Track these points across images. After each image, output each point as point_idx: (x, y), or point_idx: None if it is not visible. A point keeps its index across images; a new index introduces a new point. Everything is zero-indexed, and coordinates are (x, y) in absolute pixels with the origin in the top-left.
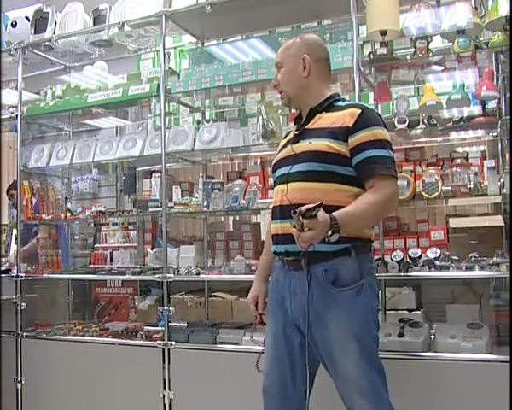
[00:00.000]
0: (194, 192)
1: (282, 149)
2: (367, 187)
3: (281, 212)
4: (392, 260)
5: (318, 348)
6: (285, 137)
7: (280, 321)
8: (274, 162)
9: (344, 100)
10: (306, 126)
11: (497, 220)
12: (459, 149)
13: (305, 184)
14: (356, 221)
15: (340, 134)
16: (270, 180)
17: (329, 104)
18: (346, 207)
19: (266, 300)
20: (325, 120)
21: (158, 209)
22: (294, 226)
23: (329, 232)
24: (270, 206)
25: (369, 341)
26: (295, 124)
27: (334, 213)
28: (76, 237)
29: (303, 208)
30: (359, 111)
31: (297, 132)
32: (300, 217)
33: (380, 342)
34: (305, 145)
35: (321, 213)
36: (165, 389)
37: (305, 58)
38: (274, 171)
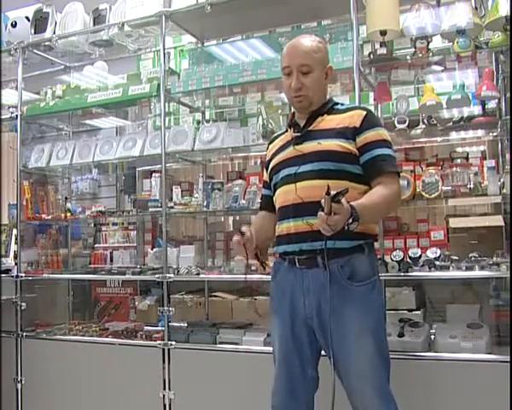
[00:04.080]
0: (194, 192)
1: (278, 151)
2: (373, 184)
3: (294, 210)
4: (392, 260)
5: (332, 344)
6: (271, 142)
7: (287, 321)
8: (274, 164)
9: (341, 104)
10: (309, 128)
11: (497, 220)
12: (459, 149)
13: (318, 182)
14: (370, 213)
15: (349, 134)
16: None
17: (330, 107)
18: (360, 199)
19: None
20: (328, 122)
21: (158, 209)
22: (322, 210)
23: (350, 220)
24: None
25: (382, 336)
26: (291, 127)
27: (352, 203)
28: (76, 237)
29: (333, 192)
30: (365, 113)
31: (298, 134)
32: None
33: None
34: (313, 145)
35: (344, 201)
36: (165, 389)
37: (330, 68)
38: (276, 172)
